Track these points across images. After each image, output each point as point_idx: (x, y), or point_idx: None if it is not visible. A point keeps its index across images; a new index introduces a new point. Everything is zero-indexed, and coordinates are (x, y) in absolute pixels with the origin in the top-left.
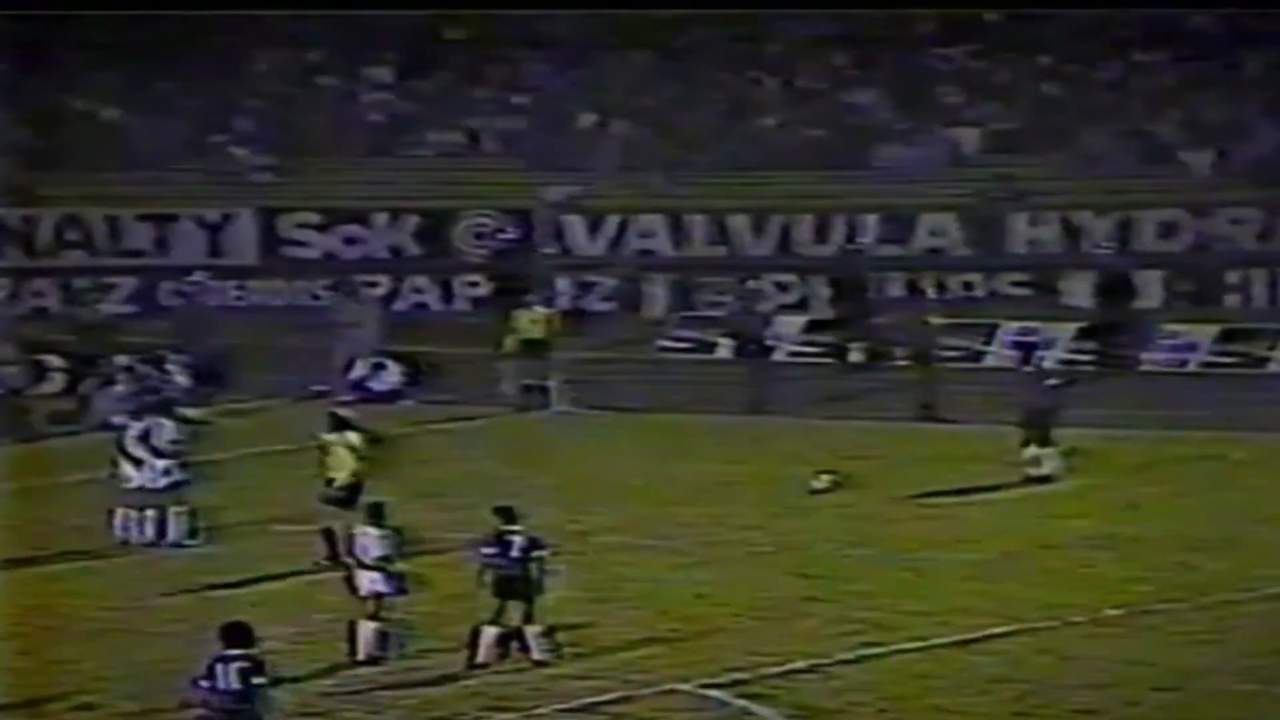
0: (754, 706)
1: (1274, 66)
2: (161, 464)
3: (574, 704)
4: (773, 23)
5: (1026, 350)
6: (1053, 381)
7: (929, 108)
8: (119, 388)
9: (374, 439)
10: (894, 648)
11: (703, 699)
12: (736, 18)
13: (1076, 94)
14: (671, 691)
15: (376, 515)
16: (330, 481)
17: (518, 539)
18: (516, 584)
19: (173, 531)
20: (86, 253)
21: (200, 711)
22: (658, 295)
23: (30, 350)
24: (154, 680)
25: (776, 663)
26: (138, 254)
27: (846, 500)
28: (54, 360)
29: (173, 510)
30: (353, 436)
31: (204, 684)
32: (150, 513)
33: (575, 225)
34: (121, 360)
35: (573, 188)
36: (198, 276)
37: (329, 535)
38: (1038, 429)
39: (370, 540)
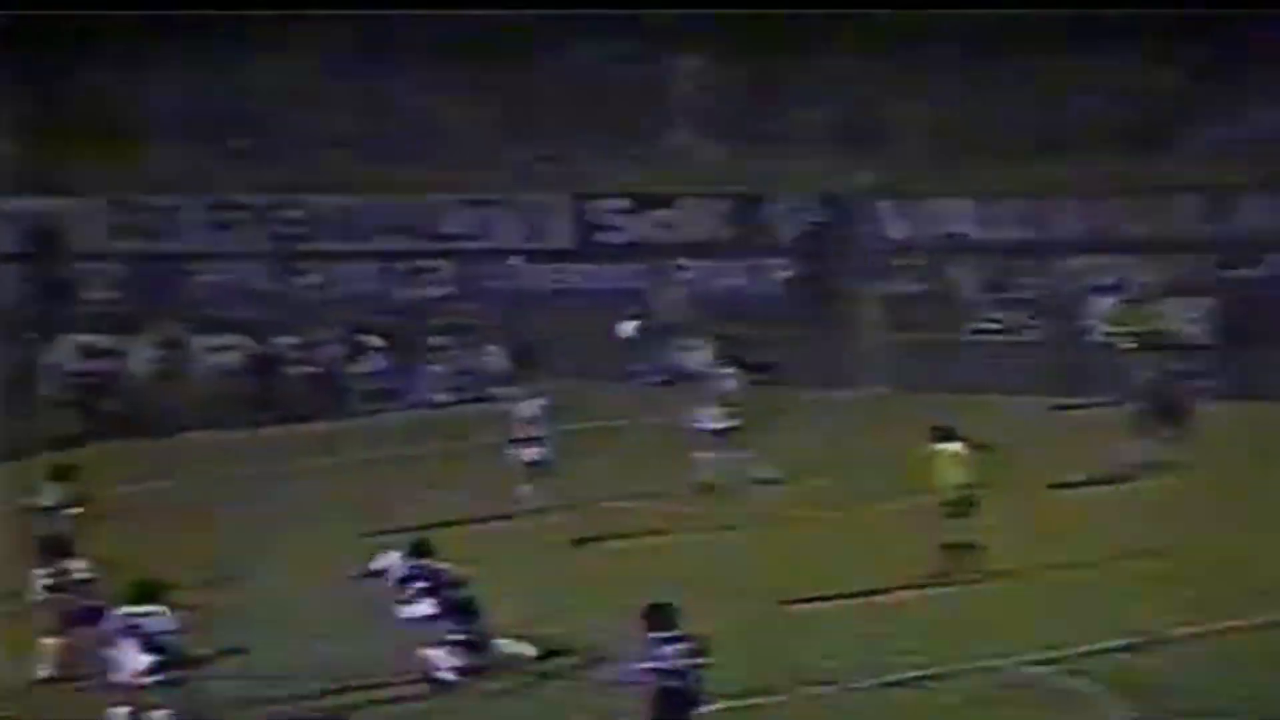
0: None
1: None
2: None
3: None
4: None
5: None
6: None
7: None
8: (436, 368)
9: (981, 447)
10: None
11: None
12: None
13: None
14: None
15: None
16: (946, 494)
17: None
18: None
19: None
20: (407, 238)
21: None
22: (966, 279)
23: (350, 331)
24: None
25: None
26: (456, 239)
27: None
28: (373, 340)
29: None
30: (958, 446)
31: (644, 666)
32: None
33: (884, 211)
34: (438, 341)
35: (878, 175)
36: (513, 261)
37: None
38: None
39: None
